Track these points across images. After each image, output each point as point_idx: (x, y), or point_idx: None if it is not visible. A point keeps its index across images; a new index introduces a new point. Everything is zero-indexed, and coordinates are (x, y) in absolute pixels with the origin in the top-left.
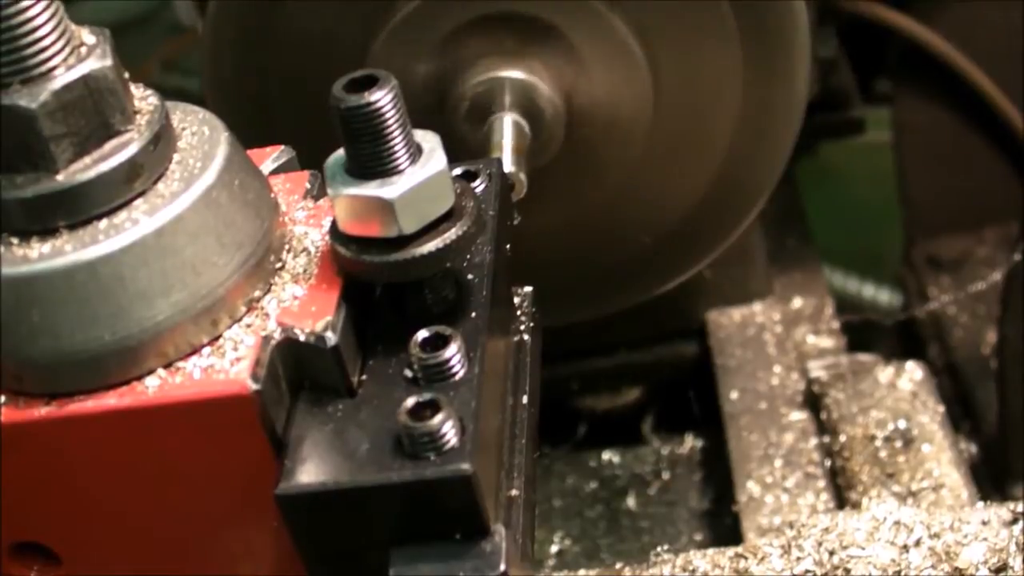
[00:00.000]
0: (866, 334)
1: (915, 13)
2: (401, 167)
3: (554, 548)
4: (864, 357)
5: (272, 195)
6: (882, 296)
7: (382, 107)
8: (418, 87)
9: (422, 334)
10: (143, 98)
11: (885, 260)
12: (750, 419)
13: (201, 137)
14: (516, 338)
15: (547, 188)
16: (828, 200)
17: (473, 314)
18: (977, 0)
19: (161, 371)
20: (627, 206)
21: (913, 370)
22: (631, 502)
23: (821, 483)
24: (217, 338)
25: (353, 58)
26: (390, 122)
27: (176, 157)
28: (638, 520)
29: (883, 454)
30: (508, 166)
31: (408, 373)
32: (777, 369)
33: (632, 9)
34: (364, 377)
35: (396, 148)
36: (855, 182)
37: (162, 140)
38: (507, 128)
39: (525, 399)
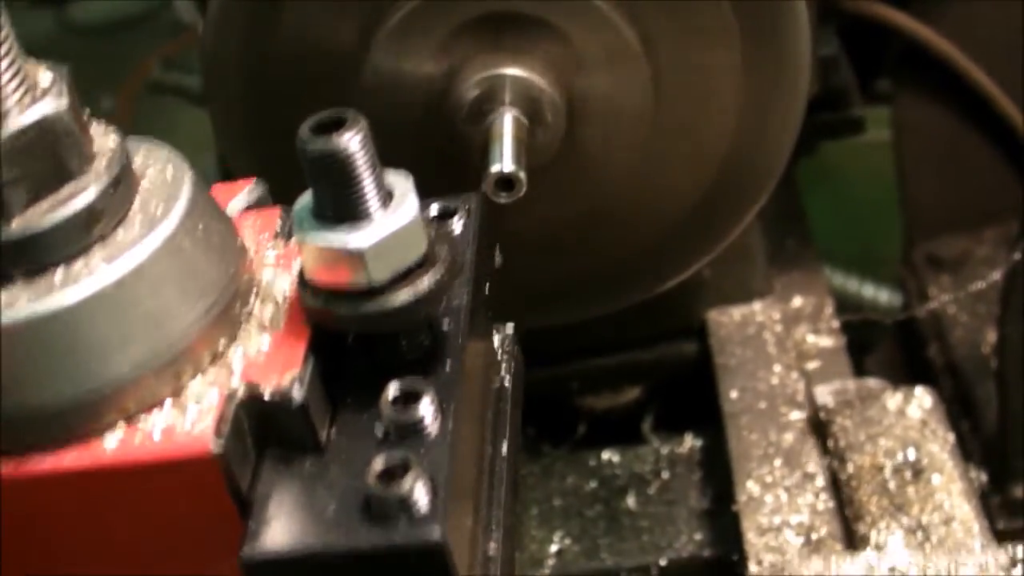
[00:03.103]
0: (866, 334)
1: (915, 12)
2: (372, 213)
3: (554, 548)
4: (872, 382)
5: (239, 238)
6: (882, 296)
7: (351, 151)
8: (418, 85)
9: (393, 389)
10: (103, 136)
11: (885, 260)
12: (750, 418)
13: (164, 178)
14: (496, 382)
15: (546, 186)
16: (828, 199)
17: (448, 364)
18: (977, 0)
19: (121, 427)
20: (627, 205)
21: (922, 397)
22: (631, 501)
23: (821, 483)
24: (180, 392)
25: (353, 56)
26: (359, 166)
27: (138, 200)
28: (638, 519)
29: (892, 485)
30: (508, 164)
31: (379, 429)
32: (777, 368)
33: (632, 7)
34: (333, 431)
35: (366, 193)
36: (855, 181)
37: (122, 183)
38: (507, 126)
39: (505, 447)
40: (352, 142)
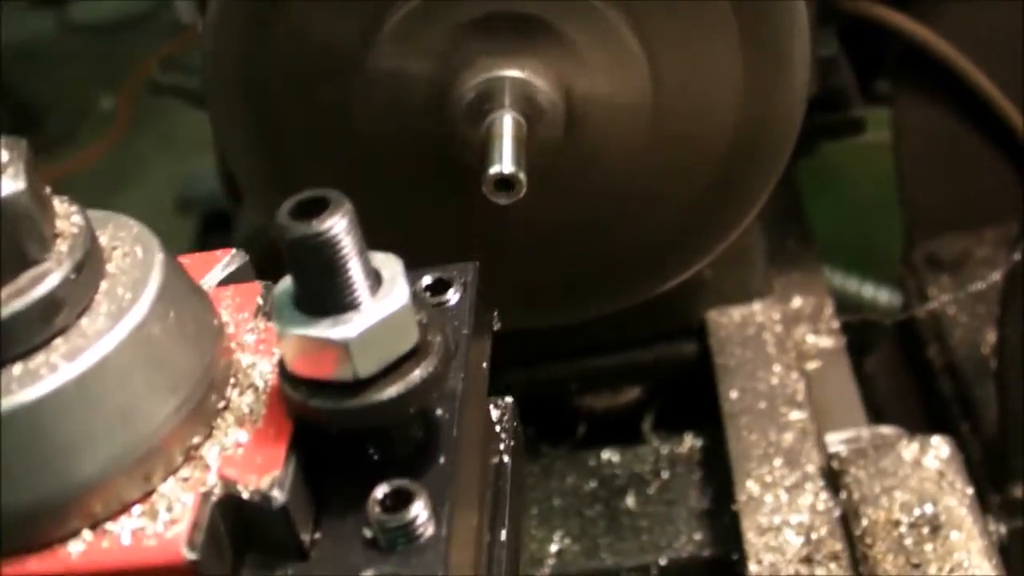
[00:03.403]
0: (866, 334)
1: (915, 13)
2: (357, 301)
3: (553, 547)
4: (886, 430)
5: (216, 320)
6: (882, 296)
7: (334, 236)
8: (418, 86)
9: (381, 490)
10: (66, 216)
11: (885, 260)
12: (750, 418)
13: (133, 259)
14: (495, 458)
15: (546, 187)
16: (828, 200)
17: (442, 459)
18: (977, 0)
19: (87, 533)
20: (626, 205)
21: (939, 446)
22: (631, 501)
23: (821, 482)
24: (151, 493)
25: (353, 57)
26: (344, 252)
27: (103, 285)
28: (637, 519)
29: (908, 541)
30: (508, 165)
31: (367, 533)
32: (777, 368)
33: (632, 8)
34: (318, 535)
35: (351, 280)
36: (855, 182)
37: (86, 268)
38: (506, 126)
39: (504, 534)
40: (337, 226)
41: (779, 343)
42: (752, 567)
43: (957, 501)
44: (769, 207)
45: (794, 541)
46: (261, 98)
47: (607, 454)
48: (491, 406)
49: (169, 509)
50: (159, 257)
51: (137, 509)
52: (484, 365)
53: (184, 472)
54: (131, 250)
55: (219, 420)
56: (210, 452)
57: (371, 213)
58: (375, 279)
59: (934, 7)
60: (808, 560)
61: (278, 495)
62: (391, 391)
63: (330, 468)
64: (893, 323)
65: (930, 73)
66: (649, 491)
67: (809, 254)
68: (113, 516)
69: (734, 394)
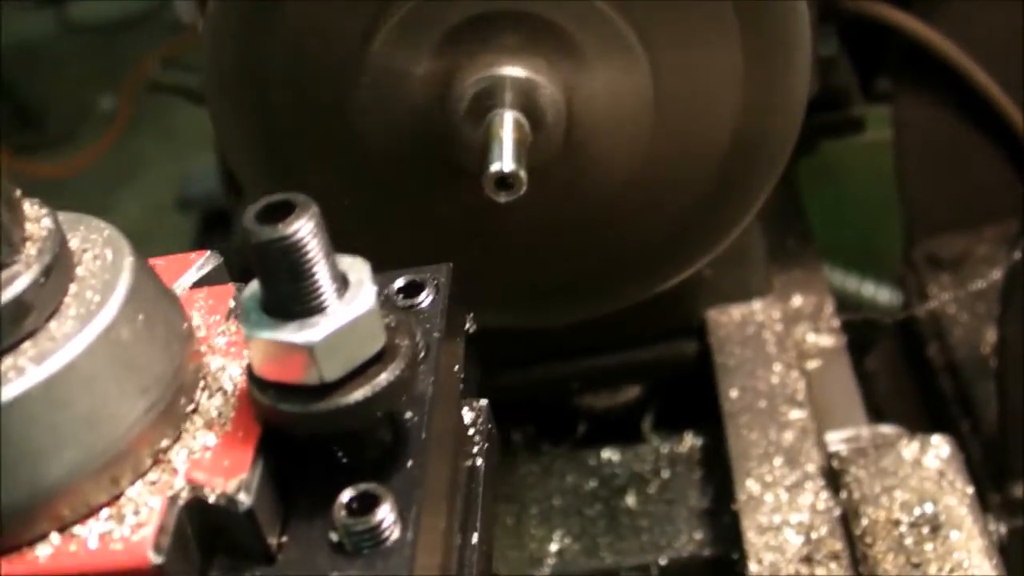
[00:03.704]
0: (866, 333)
1: (916, 11)
2: (324, 305)
3: (554, 547)
4: (886, 429)
5: (186, 323)
6: (882, 295)
7: (300, 240)
8: (418, 85)
9: (347, 494)
10: (36, 220)
11: (885, 258)
12: (750, 417)
13: (103, 263)
14: (468, 462)
15: (547, 186)
16: (828, 198)
17: (410, 463)
18: None
19: (55, 536)
20: (627, 204)
21: (939, 445)
22: (631, 500)
23: (821, 481)
24: (118, 497)
25: (353, 55)
26: (309, 256)
27: (73, 288)
28: (638, 518)
29: (908, 541)
30: (508, 163)
31: (334, 536)
32: (777, 367)
33: (633, 7)
34: (286, 539)
35: (317, 284)
36: (855, 181)
37: (55, 271)
38: (507, 125)
39: (476, 537)
40: (302, 230)
41: (779, 342)
42: (752, 566)
43: (957, 500)
44: (769, 206)
45: (794, 540)
46: (261, 97)
47: (607, 453)
48: (465, 409)
49: (136, 512)
50: (128, 260)
51: (105, 512)
52: (456, 368)
53: (152, 476)
54: (101, 253)
55: (188, 423)
56: (178, 455)
57: (371, 212)
58: (342, 283)
59: (935, 6)
60: (808, 559)
61: (244, 498)
62: (357, 395)
63: (299, 471)
64: (893, 322)
65: (931, 72)
66: (649, 490)
67: (809, 253)
68: (81, 519)
69: (734, 393)
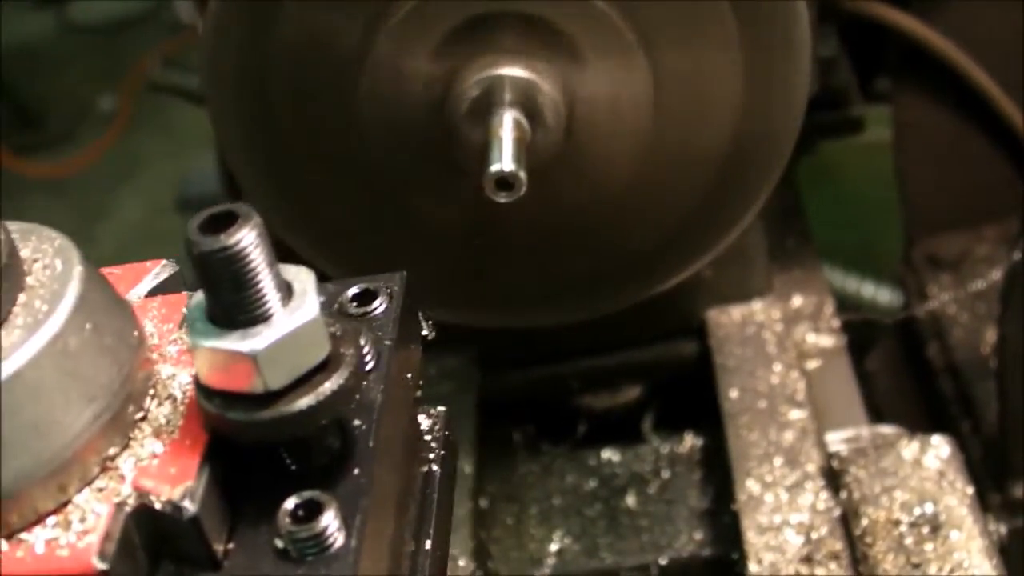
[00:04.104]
0: (866, 333)
1: (915, 12)
2: (267, 314)
3: (554, 547)
4: (886, 429)
5: (136, 332)
6: (882, 295)
7: (242, 250)
8: (419, 85)
9: (291, 501)
10: None
11: (885, 258)
12: (750, 418)
13: (53, 272)
14: (424, 468)
15: (547, 186)
16: (828, 198)
17: (356, 470)
18: None
19: (2, 542)
20: (627, 204)
21: (939, 445)
22: (631, 500)
23: (821, 481)
24: (66, 504)
25: (354, 56)
26: (252, 265)
27: (22, 298)
28: (638, 519)
29: (908, 541)
30: (508, 164)
31: (279, 543)
32: (777, 368)
33: (633, 7)
34: (232, 545)
35: (261, 294)
36: (855, 181)
37: (4, 281)
38: (507, 125)
39: (429, 543)
40: (244, 240)
41: (779, 342)
42: (752, 567)
43: (957, 501)
44: (769, 206)
45: (794, 540)
46: (261, 97)
47: (607, 453)
48: (423, 415)
49: (83, 520)
50: (78, 270)
51: (52, 519)
52: (409, 375)
53: (100, 483)
54: (51, 263)
55: (136, 431)
56: (126, 463)
57: (371, 212)
58: (286, 292)
59: (934, 6)
60: (808, 560)
61: (189, 505)
62: (301, 403)
63: (247, 478)
64: (893, 322)
65: (930, 71)
66: (649, 490)
67: (809, 253)
68: (28, 526)
69: (734, 393)
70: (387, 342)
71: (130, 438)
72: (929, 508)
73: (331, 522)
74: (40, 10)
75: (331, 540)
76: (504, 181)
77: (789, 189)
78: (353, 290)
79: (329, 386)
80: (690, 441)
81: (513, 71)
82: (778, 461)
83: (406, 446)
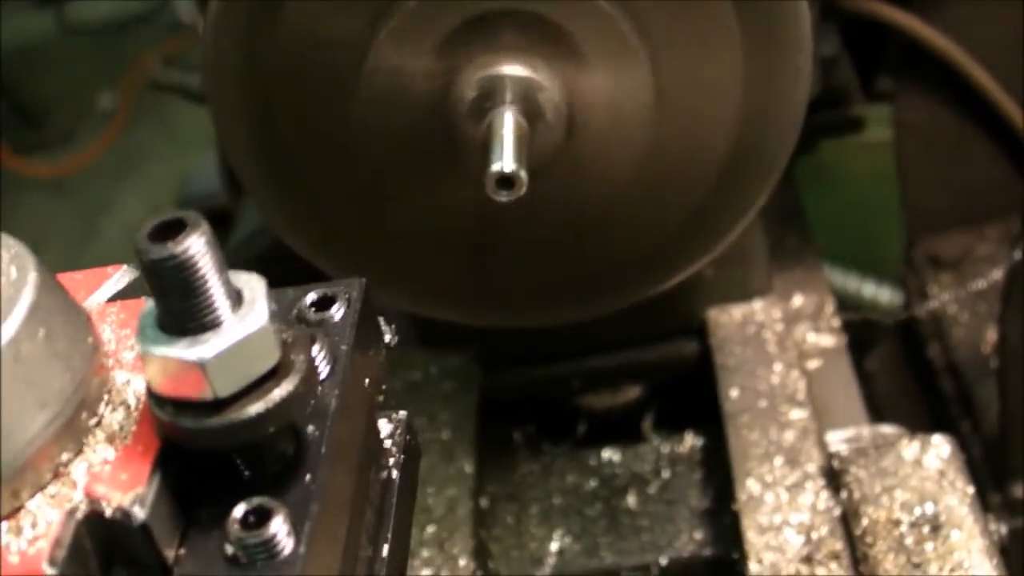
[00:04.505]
0: (866, 333)
1: (916, 11)
2: (216, 322)
3: (554, 547)
4: (887, 429)
5: (91, 338)
6: (882, 294)
7: (191, 258)
8: (419, 85)
9: (240, 508)
10: None
11: (885, 258)
12: (750, 417)
13: (7, 279)
14: (382, 474)
15: (547, 185)
16: (828, 198)
17: (307, 477)
18: None
19: None
20: (628, 203)
21: (940, 445)
22: (631, 500)
23: (821, 481)
24: (19, 510)
25: (355, 55)
26: (201, 273)
27: None
28: (638, 518)
29: (909, 541)
30: (509, 163)
31: (229, 550)
32: (777, 367)
33: (634, 6)
34: (183, 552)
35: (210, 301)
36: (855, 180)
37: None
38: (508, 125)
39: (386, 548)
40: (192, 248)
41: (780, 342)
42: (752, 566)
43: (958, 500)
44: (769, 205)
45: (794, 540)
46: (262, 96)
47: (608, 453)
48: (384, 420)
49: (34, 525)
50: (32, 276)
51: (4, 525)
52: (366, 381)
53: (52, 489)
54: (6, 270)
55: (89, 437)
56: (78, 469)
57: (371, 211)
58: (236, 299)
59: (935, 6)
60: (808, 559)
61: (139, 512)
62: (251, 410)
63: (200, 485)
64: (894, 322)
65: (931, 70)
66: (650, 490)
67: (809, 252)
68: None
69: (735, 393)
70: (343, 347)
71: (84, 444)
72: (929, 508)
73: (280, 528)
74: (40, 10)
75: (280, 546)
76: (505, 180)
77: (790, 188)
78: (311, 296)
79: (279, 393)
80: (690, 441)
81: (514, 70)
82: (778, 461)
83: (362, 451)
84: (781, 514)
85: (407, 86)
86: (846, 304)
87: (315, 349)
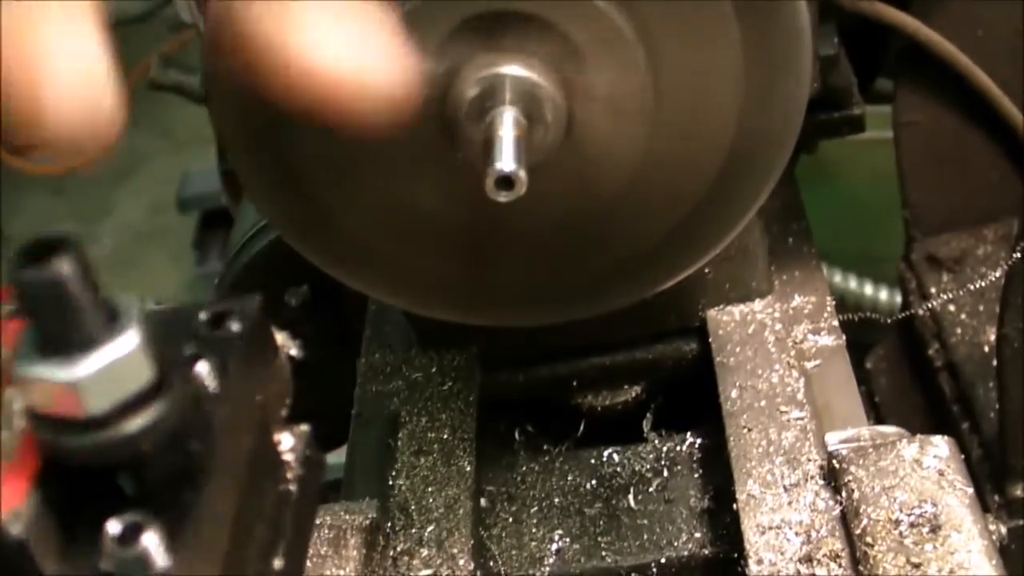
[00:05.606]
0: (866, 333)
1: (916, 11)
2: (90, 341)
3: (554, 546)
4: (887, 429)
5: None
6: (882, 295)
7: (62, 280)
8: (418, 84)
9: (114, 524)
10: None
11: (885, 258)
12: (750, 417)
13: None
14: (279, 488)
15: (547, 185)
16: (828, 198)
17: (188, 492)
18: None
19: None
20: (627, 202)
21: (939, 445)
22: (631, 500)
23: (821, 481)
24: None
25: None
26: (73, 295)
27: None
28: (638, 518)
29: (908, 541)
30: (509, 163)
31: (104, 566)
32: (777, 367)
33: (633, 6)
34: (62, 568)
35: (82, 320)
36: (855, 180)
37: None
38: (507, 124)
39: (279, 562)
40: (64, 269)
41: (779, 342)
42: (752, 566)
43: (957, 501)
44: (769, 205)
45: (794, 540)
46: (262, 98)
47: (607, 452)
48: (286, 433)
49: None
50: None
51: None
52: (258, 396)
53: None
54: None
55: None
56: None
57: (370, 211)
58: (110, 319)
59: (935, 6)
60: (808, 559)
61: (15, 528)
62: (128, 427)
63: (82, 502)
64: (893, 322)
65: (931, 71)
66: (649, 490)
67: (809, 252)
68: None
69: (734, 393)
70: (233, 364)
71: None
72: (929, 508)
73: (152, 543)
74: None
75: (154, 562)
76: (505, 180)
77: (789, 188)
78: (204, 313)
79: (155, 410)
80: (690, 440)
81: (513, 70)
82: (778, 460)
83: (253, 467)
84: (781, 514)
85: None
86: (845, 304)
87: (202, 366)
